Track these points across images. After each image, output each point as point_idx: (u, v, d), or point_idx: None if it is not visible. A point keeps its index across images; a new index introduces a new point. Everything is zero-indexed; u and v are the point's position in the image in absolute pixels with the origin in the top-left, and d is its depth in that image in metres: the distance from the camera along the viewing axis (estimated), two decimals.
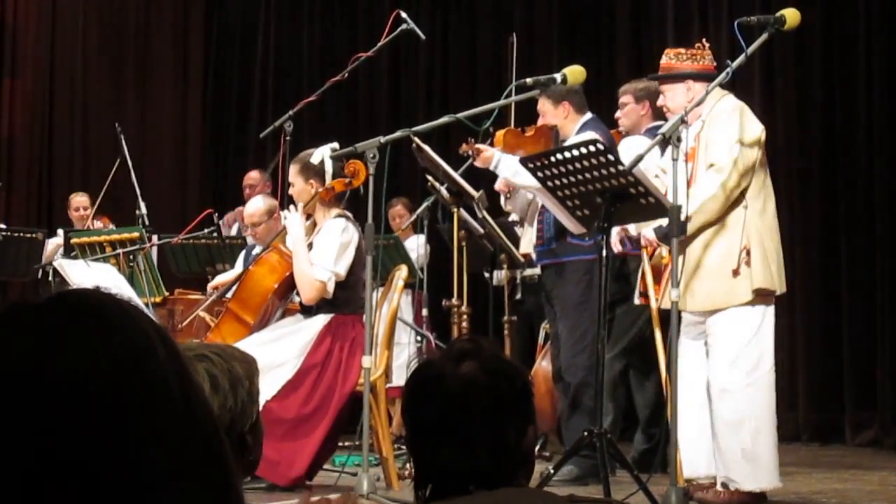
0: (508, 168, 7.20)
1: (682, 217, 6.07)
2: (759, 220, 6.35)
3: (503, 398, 2.37)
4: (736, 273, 6.28)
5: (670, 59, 6.68)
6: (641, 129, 7.80)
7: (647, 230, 6.37)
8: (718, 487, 6.30)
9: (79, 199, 10.91)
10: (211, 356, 2.53)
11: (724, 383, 6.24)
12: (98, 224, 10.41)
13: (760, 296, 6.30)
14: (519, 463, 2.40)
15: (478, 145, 7.34)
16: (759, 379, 6.29)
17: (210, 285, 8.40)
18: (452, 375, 2.37)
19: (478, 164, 7.37)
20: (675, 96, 6.58)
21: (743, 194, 6.32)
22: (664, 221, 6.16)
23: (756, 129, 6.39)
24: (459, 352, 2.42)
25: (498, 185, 7.73)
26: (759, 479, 6.26)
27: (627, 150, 7.16)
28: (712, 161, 6.27)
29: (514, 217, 8.35)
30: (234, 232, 10.54)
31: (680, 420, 6.03)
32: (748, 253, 6.29)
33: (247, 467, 2.59)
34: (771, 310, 6.39)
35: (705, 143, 6.35)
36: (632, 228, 6.61)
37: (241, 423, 2.52)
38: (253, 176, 10.98)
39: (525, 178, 6.98)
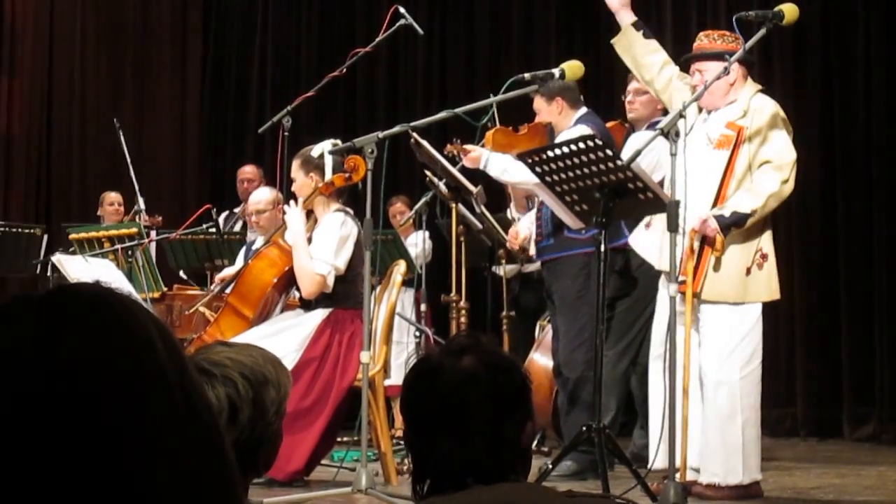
0: (497, 166, 7.21)
1: (745, 210, 6.12)
2: (769, 227, 6.42)
3: (502, 393, 2.38)
4: (748, 271, 6.30)
5: (710, 39, 6.60)
6: (648, 120, 7.75)
7: (708, 216, 6.22)
8: (703, 480, 6.29)
9: (113, 196, 10.92)
10: (239, 382, 2.46)
11: (720, 375, 6.25)
12: (145, 219, 10.40)
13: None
14: (517, 457, 2.40)
15: (465, 145, 7.34)
16: (751, 373, 6.32)
17: (218, 277, 8.40)
18: (452, 370, 2.37)
19: (466, 164, 7.36)
20: (713, 72, 6.42)
21: None
22: (725, 210, 6.16)
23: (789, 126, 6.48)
24: (459, 346, 2.43)
25: (514, 244, 7.77)
26: (744, 472, 6.26)
27: (635, 145, 7.15)
28: (769, 158, 6.28)
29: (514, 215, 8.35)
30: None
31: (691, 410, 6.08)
32: (763, 257, 6.33)
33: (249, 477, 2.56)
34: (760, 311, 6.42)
35: (750, 136, 6.32)
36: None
37: (255, 447, 2.49)
38: (248, 170, 11.00)
39: (514, 176, 6.99)
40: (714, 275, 6.29)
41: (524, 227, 7.92)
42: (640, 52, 6.73)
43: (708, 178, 6.25)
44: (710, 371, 6.27)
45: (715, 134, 6.38)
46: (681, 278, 6.23)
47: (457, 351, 2.41)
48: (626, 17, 6.78)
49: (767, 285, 6.36)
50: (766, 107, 6.42)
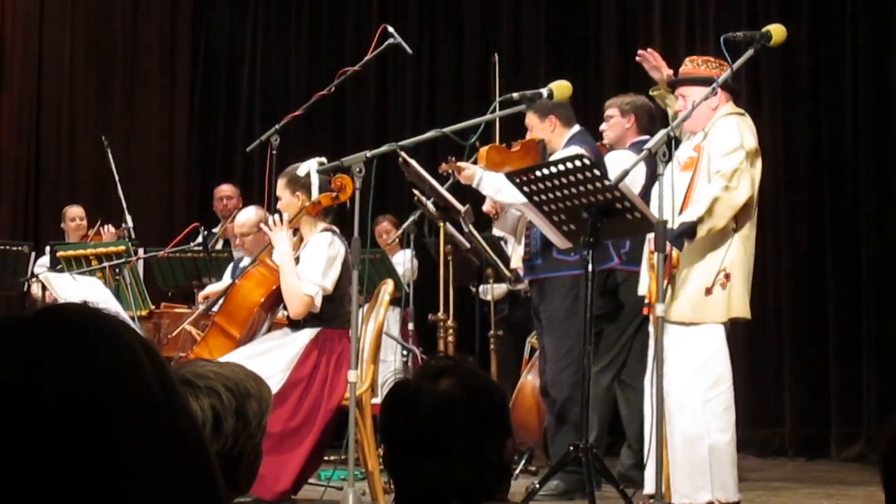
0: (491, 185, 7.22)
1: (691, 219, 6.11)
2: (742, 246, 6.36)
3: (482, 413, 2.38)
4: (708, 292, 6.28)
5: (694, 65, 6.62)
6: (626, 142, 7.82)
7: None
8: (674, 501, 6.28)
9: (74, 210, 10.90)
10: (223, 393, 2.47)
11: (683, 398, 6.24)
12: (111, 229, 10.35)
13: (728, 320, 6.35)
14: (500, 476, 2.40)
15: (459, 163, 7.35)
16: (718, 395, 6.29)
17: (201, 294, 8.39)
18: (431, 392, 2.37)
19: (461, 181, 7.39)
20: (695, 97, 6.41)
21: (737, 215, 6.31)
22: (673, 224, 6.16)
23: (752, 141, 6.42)
24: (436, 369, 2.43)
25: (486, 208, 7.78)
26: (713, 491, 6.25)
27: (612, 164, 7.17)
28: (717, 168, 6.28)
29: (499, 233, 8.37)
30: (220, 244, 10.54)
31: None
32: (727, 276, 6.29)
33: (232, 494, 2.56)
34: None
35: (708, 154, 6.34)
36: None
37: (237, 461, 2.49)
38: (226, 189, 11.00)
39: (508, 196, 6.99)
40: (674, 296, 6.29)
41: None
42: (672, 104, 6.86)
43: (676, 199, 6.26)
44: (673, 393, 6.25)
45: (684, 157, 6.42)
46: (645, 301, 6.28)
47: (434, 374, 2.41)
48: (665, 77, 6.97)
49: (727, 304, 6.33)
50: (726, 126, 6.40)
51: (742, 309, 6.38)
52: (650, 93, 7.21)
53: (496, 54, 8.48)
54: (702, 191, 6.29)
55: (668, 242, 6.09)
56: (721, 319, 6.31)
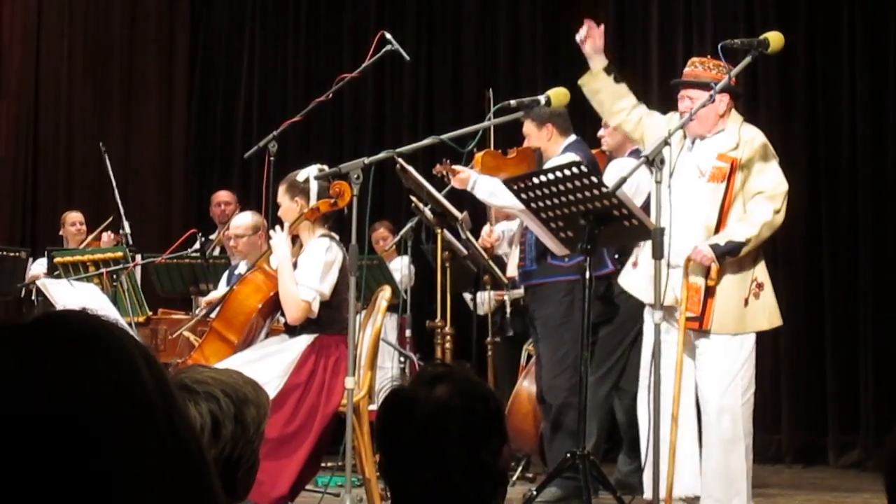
0: (485, 189, 7.23)
1: (740, 239, 6.15)
2: (762, 257, 6.45)
3: (478, 420, 2.38)
4: (746, 302, 6.33)
5: (704, 67, 6.58)
6: (626, 149, 7.80)
7: (703, 244, 6.27)
8: None
9: (74, 215, 10.91)
10: (220, 398, 2.48)
11: (723, 402, 6.27)
12: (107, 237, 10.35)
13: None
14: (497, 483, 2.40)
15: (454, 166, 7.35)
16: (749, 400, 6.36)
17: (205, 300, 8.38)
18: (426, 400, 2.37)
19: (454, 184, 7.38)
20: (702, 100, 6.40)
21: None
22: (720, 239, 6.20)
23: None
24: (431, 376, 2.43)
25: (481, 242, 7.83)
26: (744, 497, 6.28)
27: (616, 172, 7.16)
28: (762, 188, 6.32)
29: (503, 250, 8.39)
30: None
31: (679, 437, 6.08)
32: (759, 286, 6.36)
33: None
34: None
35: (742, 167, 6.35)
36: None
37: (235, 467, 2.49)
38: (223, 194, 11.03)
39: (501, 199, 6.99)
40: (716, 307, 6.32)
41: (498, 229, 8.02)
42: (610, 98, 6.70)
43: (702, 210, 6.28)
44: (712, 398, 6.29)
45: (706, 165, 6.38)
46: (689, 314, 6.25)
47: (429, 380, 2.41)
48: (598, 62, 6.76)
49: (765, 314, 6.40)
50: (757, 137, 6.47)
51: (778, 318, 6.46)
52: (579, 82, 6.89)
53: (490, 89, 8.39)
54: (741, 209, 6.32)
55: (714, 255, 6.16)
56: (764, 327, 6.41)
